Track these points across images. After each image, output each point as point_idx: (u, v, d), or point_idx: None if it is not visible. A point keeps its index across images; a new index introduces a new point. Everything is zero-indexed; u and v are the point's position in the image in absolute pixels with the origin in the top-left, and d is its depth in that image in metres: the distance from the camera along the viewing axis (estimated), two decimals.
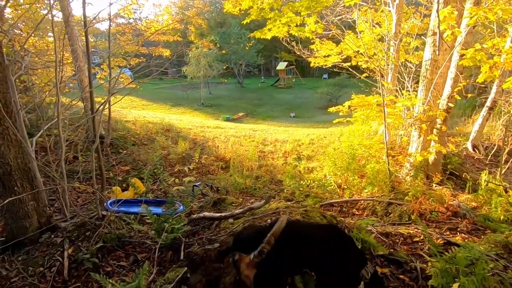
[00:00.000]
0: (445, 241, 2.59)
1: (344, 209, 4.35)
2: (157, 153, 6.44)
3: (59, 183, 3.34)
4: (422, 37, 6.03)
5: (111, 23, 8.85)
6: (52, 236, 2.95)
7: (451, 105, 4.48)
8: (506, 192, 4.17)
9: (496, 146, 7.07)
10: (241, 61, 32.41)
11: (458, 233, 2.86)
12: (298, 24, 5.18)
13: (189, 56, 22.25)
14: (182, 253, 2.76)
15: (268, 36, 5.36)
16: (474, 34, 8.62)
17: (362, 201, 4.36)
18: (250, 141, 8.55)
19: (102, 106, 3.44)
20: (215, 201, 3.93)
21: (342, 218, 3.76)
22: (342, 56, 7.99)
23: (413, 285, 2.15)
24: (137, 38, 10.57)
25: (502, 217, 3.11)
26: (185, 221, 3.36)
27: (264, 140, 8.76)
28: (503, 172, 5.38)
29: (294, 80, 34.81)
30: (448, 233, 2.89)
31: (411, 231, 2.91)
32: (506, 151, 5.51)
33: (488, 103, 7.35)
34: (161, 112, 18.71)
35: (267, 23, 4.94)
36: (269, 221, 2.67)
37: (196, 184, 5.05)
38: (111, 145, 6.65)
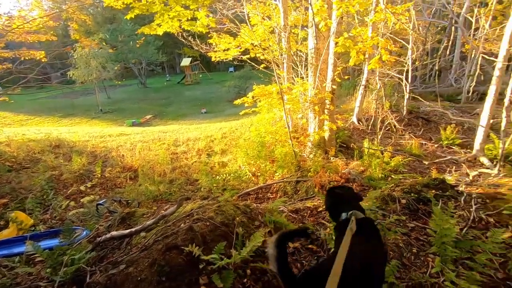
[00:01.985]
0: None
1: (260, 195, 4.55)
2: (45, 175, 5.41)
3: None
4: (305, 28, 6.70)
5: None
6: None
7: (334, 87, 5.14)
8: (382, 154, 5.10)
9: (373, 117, 8.54)
10: (141, 60, 29.97)
11: None
12: (189, 18, 5.03)
13: (75, 57, 19.25)
14: None
15: (159, 31, 5.05)
16: (348, 24, 10.06)
17: (275, 184, 4.64)
18: (160, 144, 8.06)
19: None
20: (124, 217, 3.55)
21: (258, 205, 3.93)
22: (240, 49, 8.21)
23: (320, 250, 2.41)
24: None
25: (380, 175, 3.78)
26: (88, 247, 2.94)
27: (175, 141, 8.38)
28: (379, 137, 6.56)
29: (200, 75, 34.30)
30: None
31: (316, 203, 3.25)
32: (379, 120, 6.69)
33: (363, 82, 8.79)
34: (48, 125, 15.78)
35: (155, 17, 4.62)
36: (182, 225, 2.56)
37: (100, 202, 4.46)
38: None
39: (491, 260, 2.14)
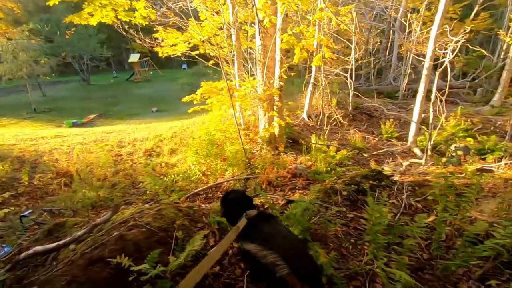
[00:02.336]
0: (286, 200, 3.01)
1: (209, 194, 4.41)
2: None
3: None
4: (253, 24, 6.69)
5: None
6: None
7: (282, 84, 5.19)
8: (328, 148, 5.31)
9: (321, 114, 8.91)
10: (82, 54, 27.41)
11: (296, 190, 3.40)
12: (127, 8, 4.65)
13: None
14: None
15: (92, 22, 4.55)
16: (296, 23, 10.30)
17: (225, 183, 4.54)
18: (103, 145, 7.42)
19: None
20: (51, 229, 3.15)
21: (206, 205, 3.80)
22: (189, 44, 7.91)
23: None
24: None
25: (325, 169, 3.91)
26: (7, 266, 2.54)
27: (120, 142, 7.79)
28: (326, 133, 6.84)
29: (151, 72, 32.62)
30: (289, 193, 3.39)
31: (263, 200, 3.22)
32: (326, 116, 6.98)
33: (311, 80, 9.10)
34: None
35: (84, 6, 4.16)
36: (115, 233, 2.32)
37: (25, 213, 3.92)
38: None
39: (419, 244, 2.31)
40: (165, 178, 5.15)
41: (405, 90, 14.73)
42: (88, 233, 2.74)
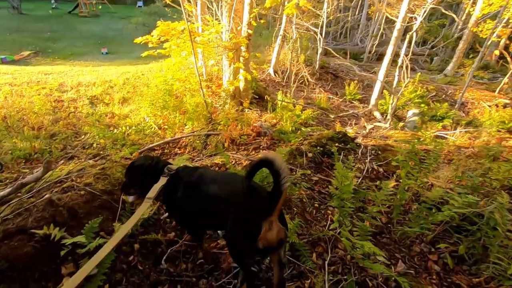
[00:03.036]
0: (250, 161, 2.82)
1: (166, 150, 4.07)
2: None
3: None
4: None
5: None
6: None
7: (250, 31, 4.68)
8: (294, 106, 5.13)
9: (288, 70, 8.58)
10: None
11: (260, 150, 3.22)
12: None
13: None
14: None
15: None
16: None
17: (184, 138, 4.20)
18: (39, 88, 6.37)
19: None
20: None
21: None
22: None
23: None
24: None
25: (291, 128, 3.75)
26: None
27: (61, 86, 6.76)
28: (293, 90, 6.62)
29: (100, 7, 28.21)
30: (253, 152, 3.20)
31: (224, 159, 2.99)
32: (294, 73, 6.68)
33: (280, 32, 8.53)
34: None
35: None
36: (47, 195, 1.94)
37: None
38: None
39: (380, 211, 2.32)
40: (115, 130, 4.62)
41: (369, 53, 14.81)
42: (15, 192, 2.30)
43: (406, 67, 5.53)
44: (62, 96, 6.08)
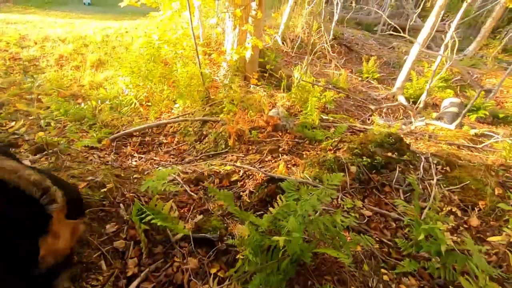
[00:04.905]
0: (268, 177, 1.89)
1: (147, 138, 3.08)
2: None
3: None
4: None
5: None
6: None
7: None
8: (313, 87, 4.11)
9: (299, 38, 7.36)
10: None
11: (280, 155, 2.28)
12: None
13: None
14: None
15: None
16: None
17: (172, 123, 3.19)
18: None
19: None
20: None
21: (141, 160, 2.51)
22: None
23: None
24: None
25: (317, 122, 2.77)
26: None
27: (22, 39, 5.47)
28: (307, 64, 5.51)
29: None
30: (269, 158, 2.25)
31: (228, 167, 2.05)
32: (310, 43, 5.55)
33: None
34: None
35: None
36: None
37: None
38: None
39: None
40: (83, 104, 3.56)
41: (384, 25, 13.42)
42: None
43: (453, 44, 4.48)
44: (20, 53, 4.84)
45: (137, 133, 3.13)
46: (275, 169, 1.99)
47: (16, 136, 2.57)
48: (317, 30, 7.79)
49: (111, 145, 2.90)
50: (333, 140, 2.37)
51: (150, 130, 3.18)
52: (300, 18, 7.90)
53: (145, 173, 2.19)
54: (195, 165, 2.24)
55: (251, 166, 2.07)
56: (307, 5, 6.38)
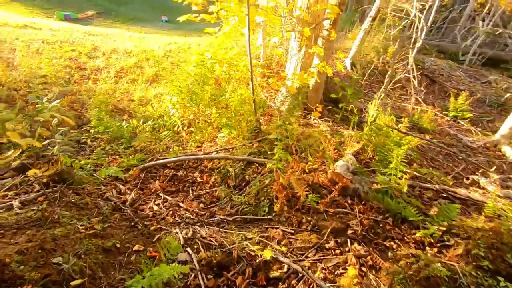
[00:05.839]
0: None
1: (181, 172, 2.58)
2: None
3: None
4: None
5: None
6: None
7: None
8: (392, 131, 3.22)
9: (372, 65, 6.47)
10: None
11: (349, 242, 1.49)
12: None
13: None
14: None
15: None
16: None
17: (210, 159, 2.65)
18: (68, 50, 5.36)
19: None
20: None
21: (169, 202, 1.98)
22: None
23: None
24: None
25: (405, 188, 1.91)
26: None
27: (94, 50, 5.70)
28: (382, 96, 4.61)
29: None
30: (332, 244, 1.48)
31: (268, 254, 1.36)
32: (389, 72, 4.66)
33: (371, 13, 6.36)
34: None
35: None
36: None
37: None
38: None
39: None
40: (125, 121, 3.27)
41: (473, 54, 11.56)
42: None
43: None
44: (87, 63, 4.97)
45: (172, 164, 2.66)
46: (341, 271, 1.23)
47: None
48: (392, 57, 6.79)
49: (139, 176, 2.47)
50: (436, 228, 1.51)
51: (186, 162, 2.68)
52: (375, 43, 7.02)
53: (161, 232, 1.62)
54: (225, 231, 1.61)
55: (302, 255, 1.34)
56: (386, 29, 5.51)
